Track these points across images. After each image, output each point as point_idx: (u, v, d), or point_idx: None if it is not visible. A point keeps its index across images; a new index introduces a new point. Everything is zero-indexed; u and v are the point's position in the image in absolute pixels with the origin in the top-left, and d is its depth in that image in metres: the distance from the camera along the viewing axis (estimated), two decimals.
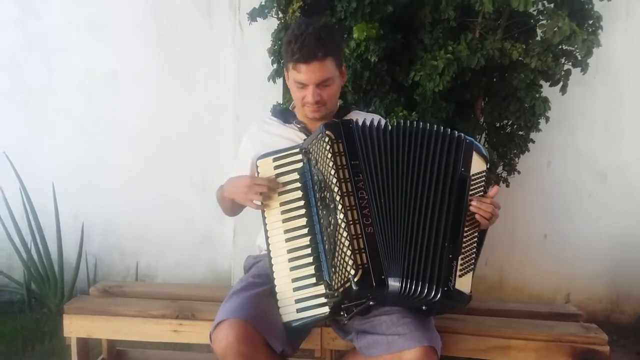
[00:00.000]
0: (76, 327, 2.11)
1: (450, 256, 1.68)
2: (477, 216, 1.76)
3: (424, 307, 1.73)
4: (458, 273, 1.69)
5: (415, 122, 1.83)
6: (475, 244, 1.78)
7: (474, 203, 1.75)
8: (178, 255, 3.52)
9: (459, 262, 1.70)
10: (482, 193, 1.82)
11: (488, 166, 1.88)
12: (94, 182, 3.47)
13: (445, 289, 1.65)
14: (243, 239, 3.17)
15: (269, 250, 1.84)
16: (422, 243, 1.69)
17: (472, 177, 1.79)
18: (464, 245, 1.72)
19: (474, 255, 1.76)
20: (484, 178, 1.84)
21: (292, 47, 1.86)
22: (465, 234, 1.73)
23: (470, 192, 1.77)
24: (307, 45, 1.83)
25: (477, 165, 1.82)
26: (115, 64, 3.40)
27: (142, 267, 3.51)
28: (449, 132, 1.82)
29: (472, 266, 1.75)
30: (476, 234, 1.78)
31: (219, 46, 3.36)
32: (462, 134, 1.83)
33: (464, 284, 1.71)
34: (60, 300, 3.28)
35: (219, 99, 3.38)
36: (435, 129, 1.82)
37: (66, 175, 3.41)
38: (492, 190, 1.80)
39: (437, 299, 1.65)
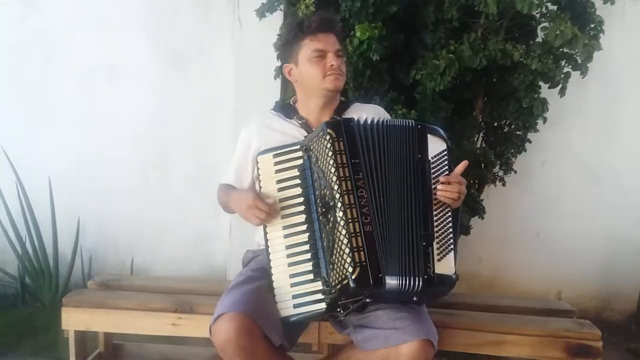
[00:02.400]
0: (75, 320, 2.12)
1: (425, 244, 1.71)
2: (444, 199, 1.77)
3: (415, 299, 1.75)
4: (436, 258, 1.71)
5: (385, 120, 1.85)
6: (449, 225, 1.79)
7: (439, 187, 1.77)
8: (173, 250, 3.51)
9: (435, 246, 1.72)
10: (447, 171, 1.82)
11: (449, 143, 1.89)
12: (90, 176, 3.46)
13: (425, 277, 1.68)
14: (239, 235, 3.17)
15: (267, 246, 1.85)
16: (403, 237, 1.71)
17: (433, 160, 1.81)
18: (436, 229, 1.75)
19: (450, 237, 1.78)
20: (445, 157, 1.85)
21: (308, 22, 1.97)
22: (436, 218, 1.76)
23: (434, 175, 1.80)
24: (324, 17, 1.97)
25: (435, 146, 1.84)
26: (113, 59, 3.39)
27: (137, 262, 3.50)
28: (405, 123, 1.85)
29: (451, 247, 1.76)
30: (449, 214, 1.80)
31: (217, 42, 3.35)
32: (413, 121, 1.86)
33: (445, 267, 1.73)
34: (54, 294, 3.27)
35: (217, 94, 3.37)
36: (397, 123, 1.85)
37: (62, 169, 3.40)
38: (459, 166, 1.82)
39: (420, 288, 1.68)
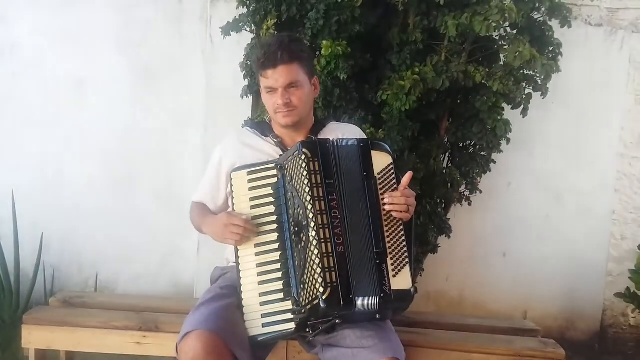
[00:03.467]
0: (35, 338, 2.07)
1: (378, 261, 1.71)
2: (394, 213, 1.77)
3: (377, 316, 1.74)
4: (391, 274, 1.72)
5: (337, 140, 1.85)
6: (402, 240, 1.79)
7: (386, 201, 1.77)
8: (139, 267, 3.44)
9: (389, 262, 1.73)
10: (395, 185, 1.82)
11: (395, 157, 1.89)
12: (55, 191, 3.38)
13: (382, 295, 1.68)
14: (207, 252, 3.14)
15: (237, 264, 1.84)
16: (362, 256, 1.72)
17: (379, 175, 1.81)
18: (389, 245, 1.75)
19: (405, 251, 1.77)
20: (392, 171, 1.85)
21: (259, 55, 1.93)
22: (387, 234, 1.76)
23: (382, 190, 1.80)
24: (272, 50, 1.89)
25: (381, 161, 1.83)
26: (83, 73, 3.34)
27: (102, 279, 3.42)
28: (350, 142, 1.85)
29: (406, 261, 1.76)
30: (401, 229, 1.79)
31: (188, 57, 3.33)
32: (356, 140, 1.86)
33: (401, 282, 1.73)
34: (15, 311, 3.17)
35: (187, 110, 3.34)
36: (344, 143, 1.84)
37: (26, 183, 3.32)
38: (404, 179, 1.81)
39: (377, 307, 1.68)
